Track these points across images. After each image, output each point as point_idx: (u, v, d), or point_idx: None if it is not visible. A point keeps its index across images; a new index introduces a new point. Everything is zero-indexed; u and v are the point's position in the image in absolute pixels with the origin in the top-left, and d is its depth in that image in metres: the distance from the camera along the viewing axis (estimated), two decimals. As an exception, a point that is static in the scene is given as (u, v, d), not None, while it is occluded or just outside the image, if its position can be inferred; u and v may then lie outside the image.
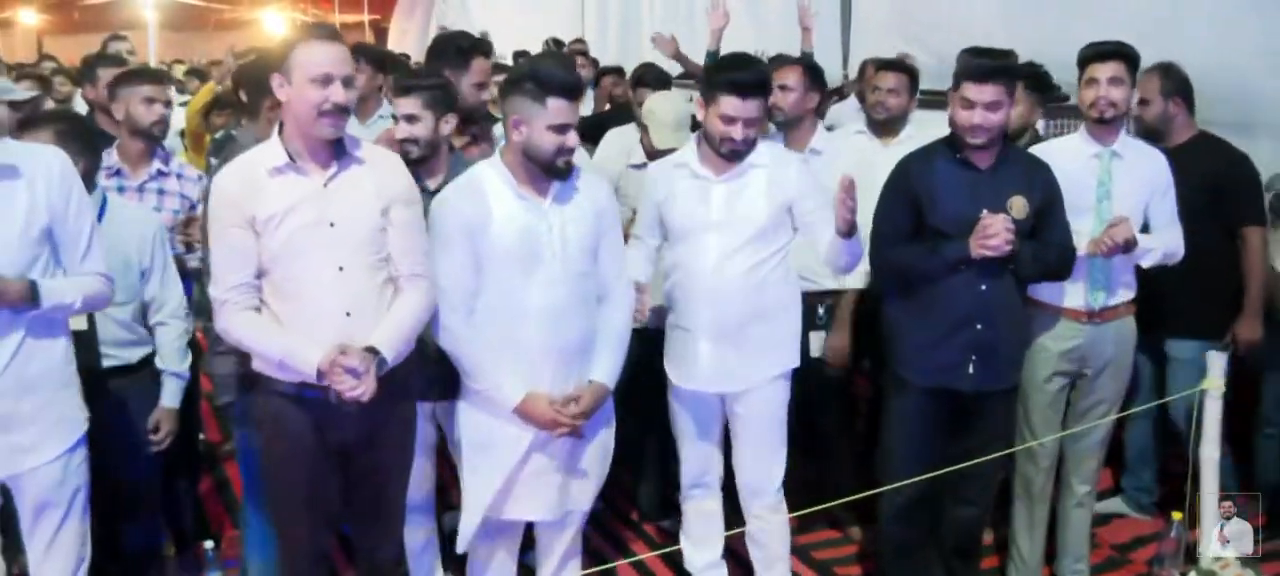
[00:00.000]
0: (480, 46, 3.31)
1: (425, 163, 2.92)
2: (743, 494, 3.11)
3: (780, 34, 5.90)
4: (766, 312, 2.96)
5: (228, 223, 2.43)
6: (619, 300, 2.79)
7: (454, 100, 2.99)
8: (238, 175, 2.46)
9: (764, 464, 3.07)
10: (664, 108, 3.63)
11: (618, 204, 3.02)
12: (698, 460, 3.15)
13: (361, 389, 2.37)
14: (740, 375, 2.98)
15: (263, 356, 2.49)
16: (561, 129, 2.55)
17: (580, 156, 2.77)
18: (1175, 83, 3.50)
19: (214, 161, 3.78)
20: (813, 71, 3.66)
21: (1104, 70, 3.09)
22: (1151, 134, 3.53)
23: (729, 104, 2.79)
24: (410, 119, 2.91)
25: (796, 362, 3.05)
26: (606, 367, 2.75)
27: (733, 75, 2.82)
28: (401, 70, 4.11)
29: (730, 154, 2.85)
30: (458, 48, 3.25)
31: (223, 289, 2.45)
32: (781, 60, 4.01)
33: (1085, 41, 3.17)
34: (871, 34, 5.98)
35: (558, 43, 7.28)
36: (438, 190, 2.80)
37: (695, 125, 3.89)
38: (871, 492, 3.12)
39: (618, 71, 6.41)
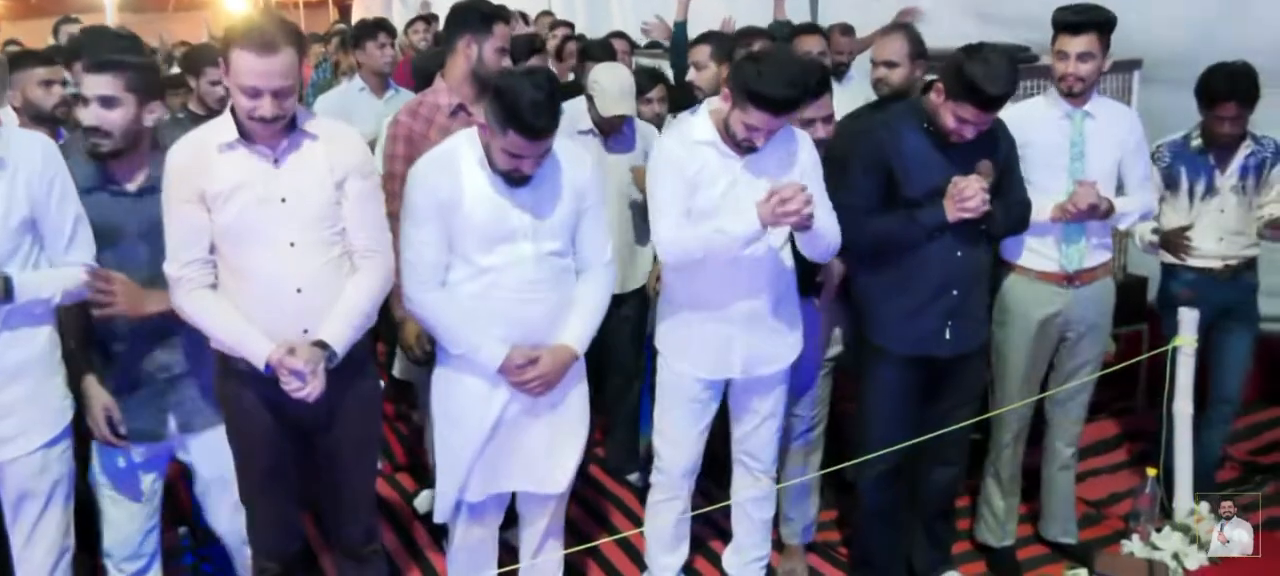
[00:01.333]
0: (502, 12, 3.25)
1: (121, 157, 2.51)
2: (746, 463, 3.11)
3: (750, 3, 5.86)
4: (789, 291, 2.96)
5: (179, 198, 2.40)
6: (599, 273, 2.75)
7: (159, 87, 2.60)
8: (188, 150, 2.42)
9: (775, 437, 3.08)
10: (608, 78, 3.64)
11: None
12: (691, 451, 3.05)
13: (308, 390, 2.38)
14: (769, 357, 2.95)
15: (213, 338, 2.48)
16: (516, 157, 2.49)
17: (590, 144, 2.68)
18: (918, 44, 3.45)
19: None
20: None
21: (1075, 44, 3.06)
22: (898, 97, 3.43)
23: (760, 117, 2.62)
24: (106, 102, 2.46)
25: (801, 342, 3.06)
26: (576, 333, 2.70)
27: (768, 92, 2.58)
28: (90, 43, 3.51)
29: (748, 150, 2.75)
30: (481, 14, 3.15)
31: (178, 265, 2.42)
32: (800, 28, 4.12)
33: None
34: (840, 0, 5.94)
35: (524, 17, 7.19)
36: (140, 192, 2.54)
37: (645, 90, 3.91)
38: (857, 460, 3.12)
39: (568, 25, 6.47)
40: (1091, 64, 3.07)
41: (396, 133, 3.06)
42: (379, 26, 4.88)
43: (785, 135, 2.80)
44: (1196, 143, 3.53)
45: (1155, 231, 3.56)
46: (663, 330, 3.00)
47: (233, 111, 2.40)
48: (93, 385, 2.54)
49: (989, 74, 2.69)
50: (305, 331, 2.43)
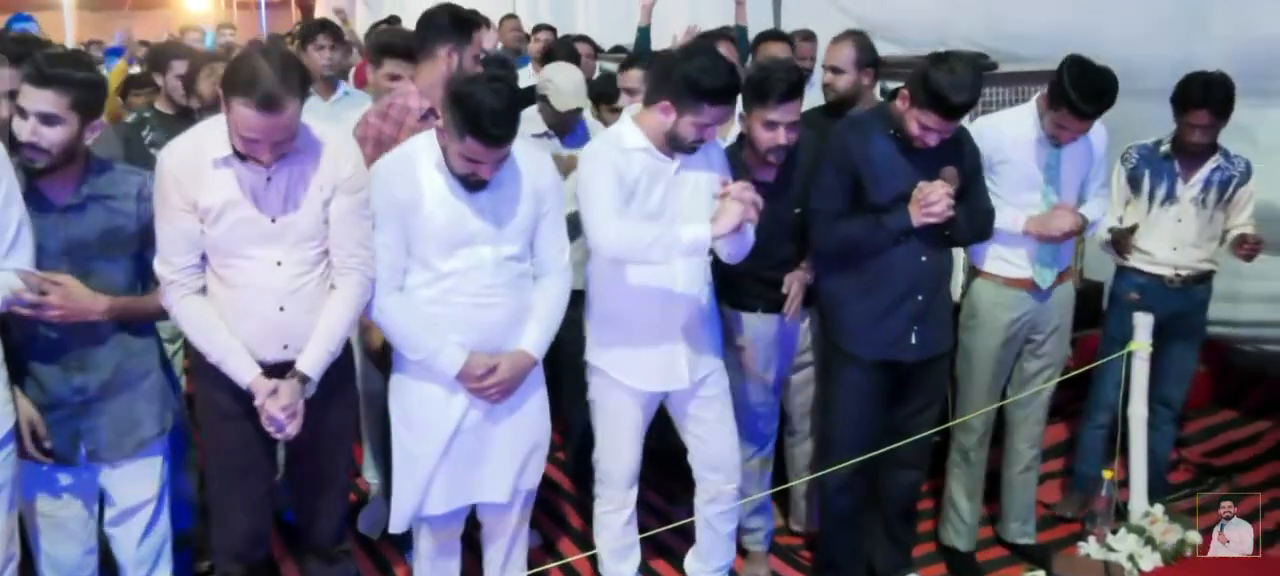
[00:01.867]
0: (479, 19, 3.25)
1: (54, 172, 2.38)
2: (707, 477, 3.07)
3: (713, 6, 5.88)
4: (711, 297, 2.97)
5: (174, 205, 2.39)
6: (557, 278, 2.74)
7: (100, 104, 2.44)
8: (183, 158, 2.41)
9: (733, 440, 3.06)
10: (562, 76, 3.66)
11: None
12: (633, 461, 3.01)
13: (287, 433, 2.46)
14: (706, 360, 2.96)
15: (199, 349, 2.48)
16: (474, 162, 2.47)
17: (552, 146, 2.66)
18: (868, 54, 3.49)
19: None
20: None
21: (1079, 127, 3.09)
22: (844, 103, 3.48)
23: (713, 113, 2.64)
24: (46, 119, 2.30)
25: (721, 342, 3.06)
26: (534, 338, 2.69)
27: (721, 84, 2.62)
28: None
29: (691, 150, 2.75)
30: (458, 19, 3.13)
31: (171, 269, 2.43)
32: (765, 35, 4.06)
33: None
34: (803, 4, 5.97)
35: (485, 22, 7.19)
36: (66, 209, 2.40)
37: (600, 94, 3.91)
38: (822, 472, 3.13)
39: (551, 29, 6.47)
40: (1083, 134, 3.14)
41: (365, 134, 3.03)
42: (320, 28, 4.78)
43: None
44: (1165, 149, 3.56)
45: (1110, 230, 3.59)
46: (600, 348, 2.93)
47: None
48: (18, 397, 2.44)
49: (954, 83, 2.72)
50: (286, 347, 2.48)
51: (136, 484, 2.62)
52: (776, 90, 2.85)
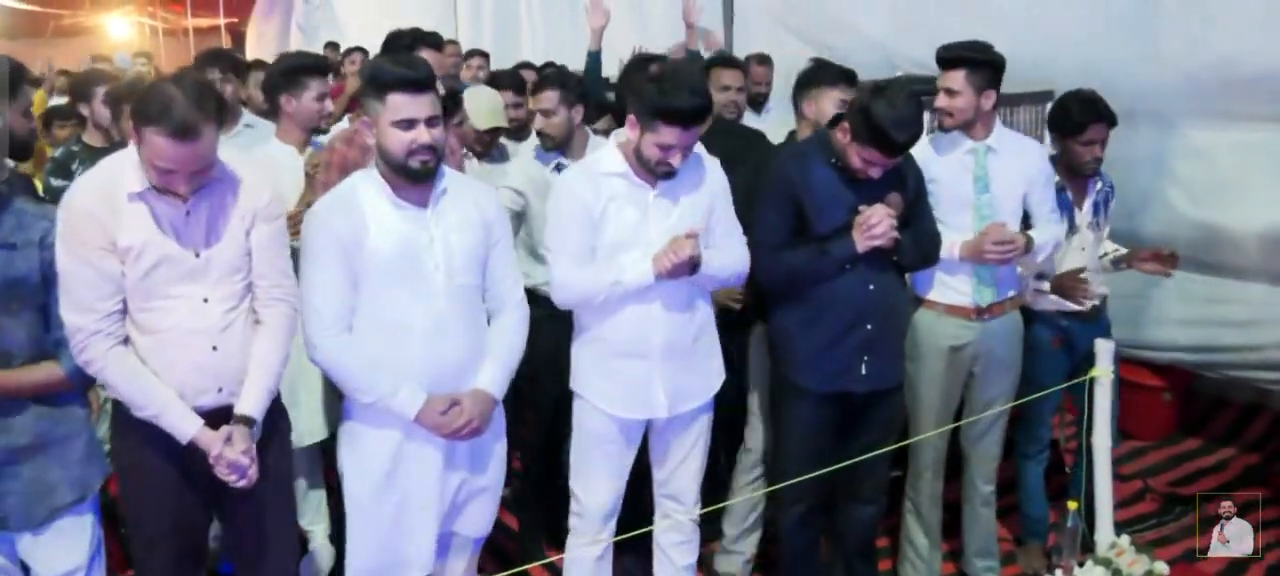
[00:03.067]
0: (428, 39, 3.34)
1: None
2: (666, 504, 2.98)
3: (663, 32, 5.84)
4: (708, 320, 2.87)
5: (93, 244, 2.23)
6: (512, 313, 2.65)
7: (23, 147, 2.38)
8: (98, 193, 2.25)
9: (699, 475, 2.97)
10: (479, 98, 3.81)
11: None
12: (611, 494, 2.89)
13: (247, 479, 2.34)
14: (692, 392, 2.85)
15: (131, 404, 2.31)
16: (407, 124, 2.38)
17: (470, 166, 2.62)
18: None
19: (54, 181, 3.50)
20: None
21: (943, 80, 3.07)
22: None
23: (671, 134, 2.57)
24: None
25: (724, 372, 2.96)
26: (492, 376, 2.59)
27: (676, 104, 2.55)
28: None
29: (665, 175, 2.67)
30: (405, 44, 3.22)
31: (92, 318, 2.24)
32: (715, 60, 4.08)
33: (966, 34, 3.15)
34: (754, 29, 5.95)
35: (443, 44, 7.07)
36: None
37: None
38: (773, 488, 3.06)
39: (483, 54, 6.43)
40: (958, 99, 3.06)
41: (330, 159, 2.96)
42: (212, 60, 4.57)
43: (694, 161, 2.75)
44: (1055, 180, 3.35)
45: (1039, 276, 3.42)
46: (579, 371, 2.86)
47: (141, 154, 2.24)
48: None
49: (895, 120, 2.68)
50: (220, 390, 2.36)
51: (59, 552, 2.42)
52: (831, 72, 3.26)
